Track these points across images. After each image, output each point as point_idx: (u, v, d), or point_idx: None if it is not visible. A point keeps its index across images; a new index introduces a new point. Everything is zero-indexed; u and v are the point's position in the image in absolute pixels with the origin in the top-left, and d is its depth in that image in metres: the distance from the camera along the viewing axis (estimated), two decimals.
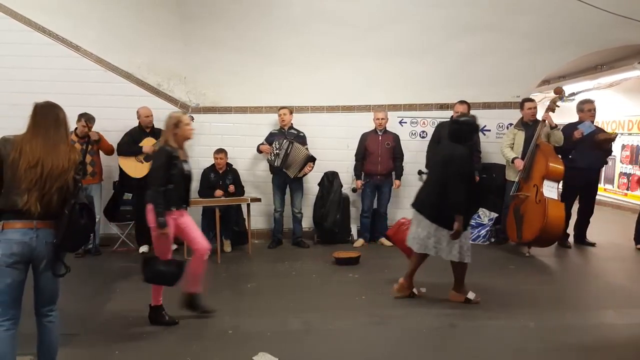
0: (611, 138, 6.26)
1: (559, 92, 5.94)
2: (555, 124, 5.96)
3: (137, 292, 4.57)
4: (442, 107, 6.81)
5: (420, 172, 6.72)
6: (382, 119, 6.33)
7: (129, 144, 5.97)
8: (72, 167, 2.70)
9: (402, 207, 6.91)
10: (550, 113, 5.90)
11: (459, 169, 4.06)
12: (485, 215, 6.61)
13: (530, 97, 6.31)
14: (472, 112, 6.63)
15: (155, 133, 6.06)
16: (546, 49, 6.50)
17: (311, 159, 6.20)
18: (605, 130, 7.47)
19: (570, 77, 9.40)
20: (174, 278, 3.79)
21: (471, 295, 4.27)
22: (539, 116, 6.07)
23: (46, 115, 2.74)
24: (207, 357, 3.31)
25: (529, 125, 6.07)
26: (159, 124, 6.20)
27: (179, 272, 3.80)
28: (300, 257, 6.02)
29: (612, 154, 7.04)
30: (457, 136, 4.22)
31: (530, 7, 6.10)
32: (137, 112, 6.07)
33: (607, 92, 9.67)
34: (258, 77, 6.60)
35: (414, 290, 4.42)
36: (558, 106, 5.96)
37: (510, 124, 6.59)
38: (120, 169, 6.21)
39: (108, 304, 4.31)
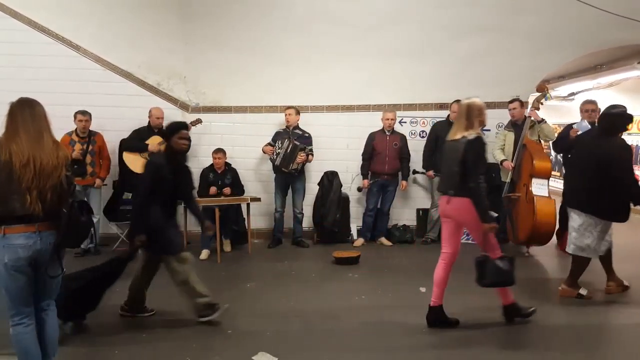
0: None
1: (542, 90, 5.93)
2: (542, 118, 5.98)
3: None
4: (442, 107, 6.80)
5: (414, 172, 6.70)
6: (391, 119, 6.35)
7: (135, 140, 6.00)
8: (62, 163, 2.68)
9: (402, 207, 6.93)
10: (536, 111, 5.92)
11: (626, 160, 4.13)
12: None
13: (515, 97, 6.31)
14: None
15: (162, 132, 6.08)
16: (546, 49, 6.50)
17: (300, 148, 6.14)
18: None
19: (570, 76, 9.41)
20: (512, 276, 3.62)
21: (583, 291, 4.36)
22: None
23: (22, 111, 2.72)
24: (206, 357, 3.31)
25: (517, 125, 6.09)
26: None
27: (513, 268, 3.64)
28: (300, 256, 6.02)
29: None
30: (611, 128, 4.26)
31: (530, 8, 6.11)
32: (150, 111, 6.13)
33: (607, 92, 9.68)
34: (258, 77, 6.60)
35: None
36: (542, 104, 5.97)
37: None
38: (121, 169, 6.23)
39: (108, 303, 4.29)
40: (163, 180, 3.73)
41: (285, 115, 6.34)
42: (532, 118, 5.87)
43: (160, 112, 6.17)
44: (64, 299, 3.49)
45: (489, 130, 6.84)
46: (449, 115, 6.47)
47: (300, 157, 6.15)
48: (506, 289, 3.76)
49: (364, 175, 6.48)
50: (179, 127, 3.84)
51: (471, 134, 3.58)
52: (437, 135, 6.48)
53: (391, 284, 4.84)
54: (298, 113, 6.38)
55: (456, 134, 3.69)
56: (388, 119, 6.35)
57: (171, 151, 3.83)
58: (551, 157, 6.51)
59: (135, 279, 3.96)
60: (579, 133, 5.91)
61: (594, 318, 4.09)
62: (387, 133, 6.39)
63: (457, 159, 3.60)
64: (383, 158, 6.33)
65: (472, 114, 3.64)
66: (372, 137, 6.43)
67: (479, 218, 3.59)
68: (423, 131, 6.88)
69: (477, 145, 3.58)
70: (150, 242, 3.72)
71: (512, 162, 5.90)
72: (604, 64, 8.41)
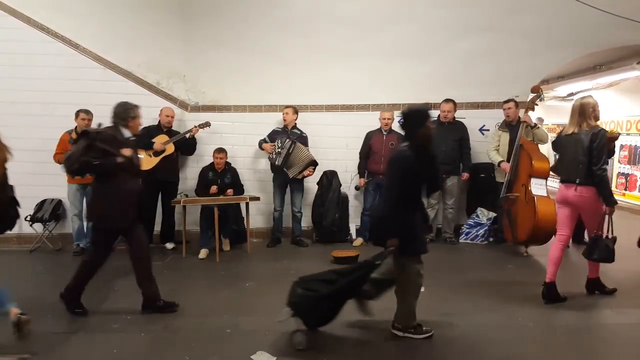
0: (614, 137, 6.26)
1: (537, 91, 5.94)
2: (535, 123, 6.00)
3: (135, 290, 4.57)
4: None
5: None
6: (388, 118, 6.35)
7: (142, 137, 5.98)
8: (1, 164, 3.32)
9: None
10: (531, 112, 5.94)
11: None
12: (483, 215, 6.62)
13: (512, 97, 6.33)
14: (471, 111, 6.69)
15: (171, 132, 6.08)
16: (546, 49, 6.51)
17: (313, 164, 6.20)
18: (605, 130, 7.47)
19: (569, 77, 9.42)
20: (614, 254, 4.23)
21: None
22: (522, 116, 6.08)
23: None
24: (205, 356, 3.31)
25: (512, 125, 6.11)
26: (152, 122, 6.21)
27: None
28: (299, 256, 6.02)
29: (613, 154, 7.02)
30: None
31: (530, 8, 6.11)
32: (161, 110, 6.18)
33: (606, 92, 9.69)
34: (258, 76, 6.60)
35: None
36: (537, 104, 5.98)
37: None
38: None
39: (106, 303, 4.31)
40: (412, 174, 3.46)
41: (283, 114, 6.34)
42: (527, 122, 5.89)
43: (172, 111, 6.22)
44: (313, 303, 3.46)
45: (488, 130, 6.86)
46: (439, 115, 6.47)
47: (309, 171, 6.20)
48: (597, 265, 4.40)
49: (361, 174, 6.49)
50: (427, 112, 3.57)
51: (590, 128, 4.08)
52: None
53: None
54: (296, 112, 6.38)
55: (570, 129, 4.22)
56: (385, 118, 6.35)
57: (420, 141, 3.52)
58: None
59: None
60: None
61: (597, 317, 4.10)
62: (384, 132, 6.39)
63: (582, 149, 4.09)
64: (379, 157, 6.33)
65: (586, 111, 4.15)
66: (369, 136, 6.44)
67: (605, 201, 4.11)
68: None
69: (602, 136, 4.06)
70: (401, 243, 3.44)
71: (507, 162, 5.92)
72: (603, 64, 8.42)
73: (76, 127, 5.88)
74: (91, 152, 3.79)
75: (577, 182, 4.14)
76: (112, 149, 3.85)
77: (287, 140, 6.11)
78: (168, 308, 4.03)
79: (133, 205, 3.97)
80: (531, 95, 5.98)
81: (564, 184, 4.32)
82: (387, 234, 3.47)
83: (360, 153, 6.48)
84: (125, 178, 3.92)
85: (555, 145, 4.57)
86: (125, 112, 4.03)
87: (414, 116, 3.58)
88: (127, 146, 3.97)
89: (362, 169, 6.49)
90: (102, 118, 6.04)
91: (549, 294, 4.28)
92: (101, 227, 3.97)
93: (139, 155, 4.25)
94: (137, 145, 5.96)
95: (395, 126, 6.56)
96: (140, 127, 4.20)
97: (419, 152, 3.50)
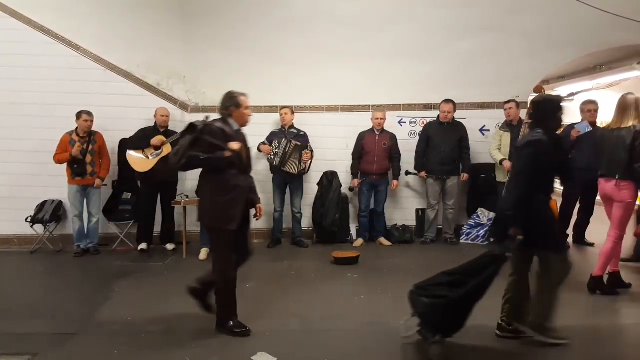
0: None
1: (539, 91, 5.93)
2: None
3: (135, 291, 4.58)
4: None
5: (407, 173, 6.69)
6: (380, 118, 6.34)
7: (140, 138, 5.97)
8: None
9: (401, 207, 6.92)
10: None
11: None
12: (484, 215, 6.61)
13: (513, 97, 6.34)
14: (471, 112, 6.69)
15: (168, 133, 6.06)
16: (546, 49, 6.50)
17: (302, 147, 6.16)
18: None
19: (569, 77, 9.41)
20: None
21: None
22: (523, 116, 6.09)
23: None
24: (206, 357, 3.30)
25: (513, 126, 6.11)
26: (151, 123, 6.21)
27: None
28: (300, 256, 6.02)
29: None
30: None
31: (530, 8, 6.11)
32: (156, 111, 6.13)
33: (606, 93, 9.67)
34: (258, 77, 6.59)
35: None
36: None
37: None
38: (120, 169, 6.24)
39: (107, 304, 4.31)
40: (546, 159, 3.26)
41: (281, 114, 6.34)
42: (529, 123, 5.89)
43: (166, 111, 6.19)
44: (443, 311, 3.23)
45: (488, 130, 6.86)
46: (439, 116, 6.46)
47: (306, 155, 6.16)
48: (605, 264, 4.40)
49: (354, 174, 6.49)
50: (561, 104, 3.45)
51: (634, 125, 4.13)
52: (428, 136, 6.47)
53: (391, 283, 4.84)
54: (293, 112, 6.39)
55: (623, 122, 4.21)
56: (377, 119, 6.34)
57: (552, 130, 3.40)
58: None
59: (515, 289, 3.58)
60: (580, 133, 5.92)
61: (599, 317, 4.09)
62: (377, 132, 6.38)
63: (623, 146, 4.14)
64: (372, 158, 6.32)
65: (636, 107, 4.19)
66: (361, 137, 6.43)
67: None
68: None
69: None
70: (528, 235, 3.22)
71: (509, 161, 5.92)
72: (604, 64, 8.41)
73: (76, 128, 5.89)
74: (198, 147, 3.50)
75: (617, 177, 4.24)
76: (220, 142, 3.52)
77: (284, 140, 6.12)
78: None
79: (242, 204, 3.64)
80: (533, 96, 5.98)
81: (603, 178, 4.40)
82: (513, 222, 3.23)
83: (353, 154, 6.47)
84: (234, 174, 3.59)
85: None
86: (226, 101, 3.69)
87: (548, 106, 3.42)
88: (236, 139, 3.61)
89: (355, 170, 6.47)
90: (103, 119, 6.13)
91: (609, 284, 4.47)
92: (211, 228, 3.68)
93: (248, 149, 3.83)
94: (134, 146, 5.99)
95: (388, 126, 6.55)
96: (249, 118, 3.78)
97: (552, 141, 3.34)
